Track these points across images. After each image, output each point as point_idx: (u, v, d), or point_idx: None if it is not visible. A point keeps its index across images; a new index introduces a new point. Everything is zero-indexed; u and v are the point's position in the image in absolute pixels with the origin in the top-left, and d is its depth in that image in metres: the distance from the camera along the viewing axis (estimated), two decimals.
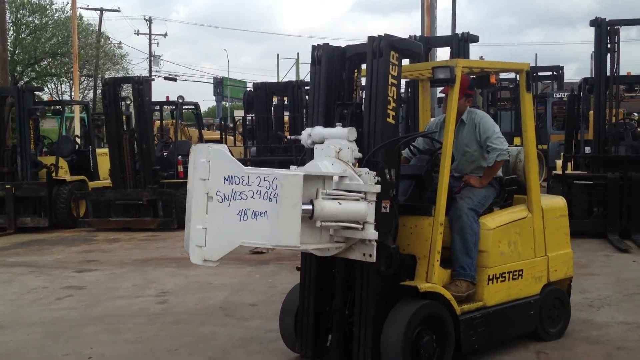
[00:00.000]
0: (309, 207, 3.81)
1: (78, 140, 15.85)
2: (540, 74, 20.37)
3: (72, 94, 26.73)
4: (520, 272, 5.07)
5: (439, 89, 8.93)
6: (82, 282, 8.03)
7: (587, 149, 11.23)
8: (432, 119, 5.77)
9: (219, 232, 3.80)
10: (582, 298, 6.55)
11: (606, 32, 10.56)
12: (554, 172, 11.55)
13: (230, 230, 3.77)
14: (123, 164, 12.46)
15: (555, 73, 20.79)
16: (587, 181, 10.51)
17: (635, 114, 16.62)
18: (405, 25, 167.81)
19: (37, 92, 18.07)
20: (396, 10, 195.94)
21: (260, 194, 3.68)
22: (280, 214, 3.61)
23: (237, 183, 3.75)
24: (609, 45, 10.60)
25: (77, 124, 19.34)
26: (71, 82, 29.83)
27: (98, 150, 14.36)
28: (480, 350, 4.83)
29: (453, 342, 4.57)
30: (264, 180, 3.69)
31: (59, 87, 36.30)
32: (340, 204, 3.96)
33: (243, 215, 3.72)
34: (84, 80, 35.37)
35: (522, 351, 5.12)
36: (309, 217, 3.82)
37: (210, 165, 3.85)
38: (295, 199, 3.65)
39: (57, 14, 32.40)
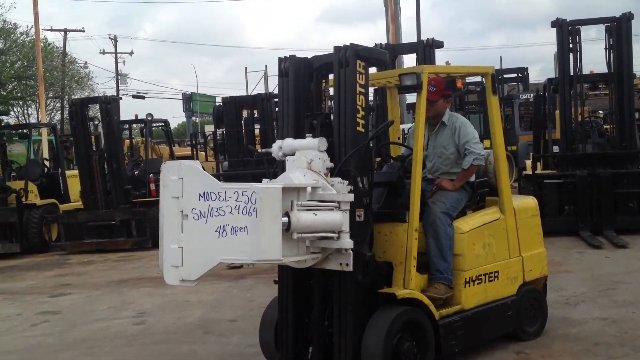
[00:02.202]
0: (286, 219, 3.79)
1: (47, 163, 15.63)
2: (506, 76, 20.57)
3: (39, 116, 26.39)
4: (496, 274, 5.11)
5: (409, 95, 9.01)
6: (57, 306, 7.92)
7: (556, 148, 11.38)
8: (410, 125, 5.77)
9: (196, 251, 3.74)
10: (558, 296, 6.62)
11: (567, 32, 10.74)
12: (524, 172, 11.67)
13: (209, 247, 3.71)
14: (94, 185, 12.32)
15: (520, 75, 20.99)
16: (557, 180, 10.66)
17: (601, 112, 16.83)
18: (371, 34, 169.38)
19: (3, 117, 17.82)
20: (362, 19, 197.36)
21: (239, 209, 3.62)
22: (261, 228, 3.57)
23: (214, 199, 3.69)
24: (570, 45, 10.78)
25: (45, 147, 19.09)
26: (37, 104, 29.49)
27: (68, 172, 14.16)
28: (460, 353, 4.85)
29: (433, 347, 4.58)
30: (242, 194, 3.63)
31: (25, 111, 35.92)
32: (315, 214, 3.95)
33: (222, 232, 3.66)
34: (51, 102, 35.00)
35: (502, 352, 5.15)
36: (285, 230, 3.81)
37: (184, 183, 3.79)
38: (275, 211, 3.62)
39: (21, 38, 32.10)
